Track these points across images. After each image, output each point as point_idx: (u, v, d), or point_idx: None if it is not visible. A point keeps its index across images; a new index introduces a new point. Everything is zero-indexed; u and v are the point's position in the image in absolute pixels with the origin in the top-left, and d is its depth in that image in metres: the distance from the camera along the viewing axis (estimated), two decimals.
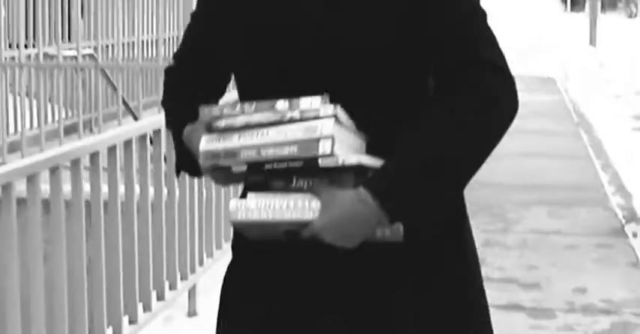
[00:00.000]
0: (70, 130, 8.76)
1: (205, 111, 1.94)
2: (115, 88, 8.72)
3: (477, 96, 1.91)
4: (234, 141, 1.88)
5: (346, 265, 1.98)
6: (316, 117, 1.83)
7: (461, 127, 1.89)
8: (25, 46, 8.92)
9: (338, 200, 1.85)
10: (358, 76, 1.95)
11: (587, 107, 14.25)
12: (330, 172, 1.85)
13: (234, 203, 1.91)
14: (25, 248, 3.42)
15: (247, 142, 1.87)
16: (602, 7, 42.93)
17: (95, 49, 9.62)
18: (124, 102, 8.71)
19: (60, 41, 8.83)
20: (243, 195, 1.96)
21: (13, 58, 8.82)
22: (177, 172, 2.25)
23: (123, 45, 9.97)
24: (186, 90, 2.22)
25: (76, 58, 9.11)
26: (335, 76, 1.95)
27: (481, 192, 8.21)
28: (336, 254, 1.93)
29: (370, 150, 1.92)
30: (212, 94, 2.21)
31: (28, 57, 8.98)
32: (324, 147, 1.81)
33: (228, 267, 2.17)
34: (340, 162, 1.83)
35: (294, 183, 1.89)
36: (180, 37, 2.37)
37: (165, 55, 10.24)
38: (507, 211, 7.62)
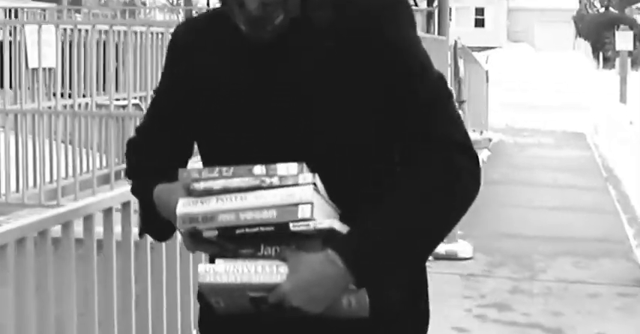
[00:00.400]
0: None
1: (184, 174, 1.94)
2: None
3: (441, 174, 1.99)
4: (212, 205, 1.89)
5: None
6: (295, 184, 1.86)
7: (425, 202, 1.96)
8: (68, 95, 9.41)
9: (306, 262, 1.88)
10: (330, 160, 2.02)
11: (615, 162, 14.43)
12: (299, 238, 1.87)
13: (203, 267, 1.92)
14: (80, 283, 3.70)
15: (226, 206, 1.88)
16: (633, 64, 43.19)
17: (141, 98, 10.03)
18: None
19: (112, 91, 9.20)
20: (212, 261, 1.96)
21: (65, 107, 9.32)
22: (141, 235, 2.29)
23: None
24: (152, 160, 2.26)
25: (124, 107, 9.44)
26: (307, 159, 1.97)
27: (510, 243, 8.46)
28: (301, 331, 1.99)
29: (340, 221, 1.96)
30: (176, 163, 2.22)
31: (79, 106, 9.41)
32: (303, 212, 1.83)
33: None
34: (312, 226, 1.85)
35: (261, 251, 1.91)
36: None
37: None
38: (534, 261, 7.83)
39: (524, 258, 7.91)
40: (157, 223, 2.17)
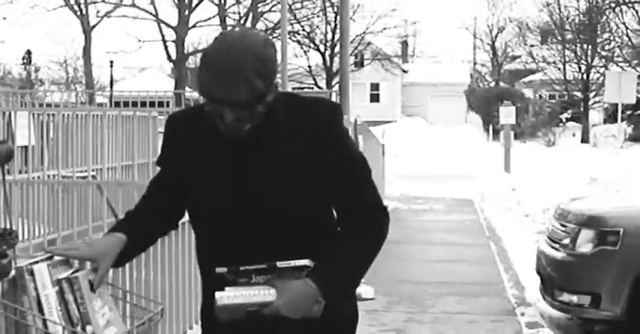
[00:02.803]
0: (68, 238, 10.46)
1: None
2: (110, 206, 10.48)
3: (375, 231, 3.03)
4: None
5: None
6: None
7: (365, 249, 3.00)
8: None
9: (291, 285, 2.83)
10: (298, 217, 2.97)
11: (498, 223, 16.36)
12: (281, 271, 2.87)
13: (219, 294, 2.81)
14: None
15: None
16: (518, 136, 45.58)
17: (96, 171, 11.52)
18: (115, 215, 10.42)
19: (74, 165, 10.63)
20: (220, 289, 2.86)
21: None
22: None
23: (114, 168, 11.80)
24: (146, 213, 3.12)
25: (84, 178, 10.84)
26: (281, 219, 2.95)
27: (405, 287, 10.20)
28: (280, 329, 2.96)
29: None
30: (167, 221, 3.18)
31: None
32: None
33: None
34: (292, 264, 2.88)
35: (253, 279, 2.87)
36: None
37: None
38: (425, 300, 9.57)
39: (417, 298, 9.65)
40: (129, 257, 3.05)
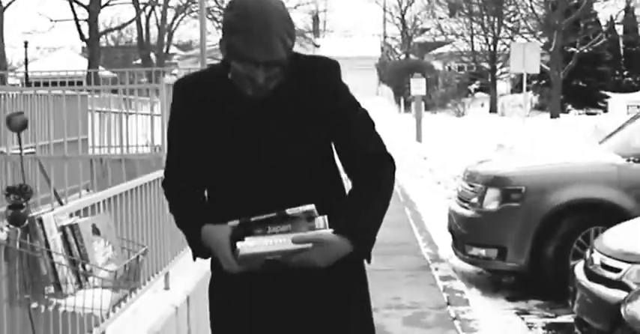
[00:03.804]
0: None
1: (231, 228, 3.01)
2: (47, 179, 10.92)
3: (384, 179, 3.09)
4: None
5: (302, 282, 3.12)
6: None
7: (380, 196, 3.07)
8: None
9: (329, 241, 2.95)
10: (305, 168, 3.08)
11: (411, 190, 17.19)
12: (291, 219, 2.95)
13: (240, 244, 2.93)
14: None
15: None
16: (428, 107, 46.63)
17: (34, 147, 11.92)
18: (54, 190, 10.86)
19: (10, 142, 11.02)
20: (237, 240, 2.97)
21: None
22: (194, 258, 3.26)
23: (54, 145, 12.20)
24: (187, 196, 3.19)
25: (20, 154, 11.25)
26: (291, 173, 3.07)
27: None
28: (294, 279, 3.09)
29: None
30: (202, 187, 3.21)
31: None
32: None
33: (212, 285, 3.28)
34: (300, 210, 2.95)
35: (269, 230, 2.97)
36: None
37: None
38: None
39: None
40: (203, 249, 3.12)
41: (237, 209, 3.07)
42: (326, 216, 3.00)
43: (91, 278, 3.32)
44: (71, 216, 3.52)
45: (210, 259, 3.21)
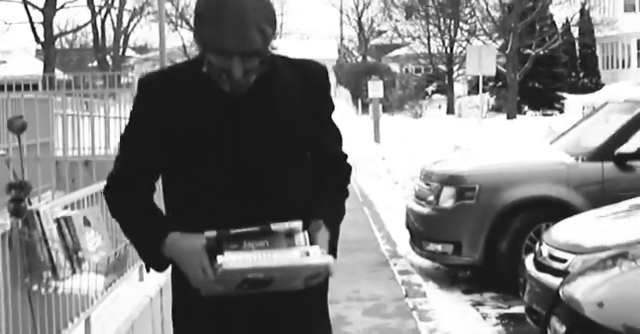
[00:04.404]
0: None
1: (207, 238, 2.75)
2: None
3: (343, 178, 3.19)
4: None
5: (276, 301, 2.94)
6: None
7: (343, 196, 3.19)
8: None
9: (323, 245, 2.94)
10: (275, 162, 2.93)
11: (370, 190, 17.62)
12: (269, 235, 2.76)
13: (222, 258, 2.66)
14: None
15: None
16: (386, 109, 47.06)
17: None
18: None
19: None
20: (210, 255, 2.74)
21: None
22: (147, 269, 3.07)
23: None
24: (140, 199, 2.94)
25: None
26: (275, 175, 2.94)
27: None
28: (267, 301, 2.89)
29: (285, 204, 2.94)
30: (150, 193, 2.98)
31: None
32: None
33: (176, 312, 3.13)
34: (287, 225, 2.79)
35: (244, 245, 2.73)
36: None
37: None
38: None
39: None
40: (160, 259, 2.90)
41: (204, 223, 2.83)
42: (307, 233, 2.86)
43: (84, 264, 3.68)
44: (65, 208, 3.88)
45: (171, 280, 3.06)
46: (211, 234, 2.73)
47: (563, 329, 4.11)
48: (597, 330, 3.93)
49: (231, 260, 2.65)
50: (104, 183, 3.01)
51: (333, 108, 3.14)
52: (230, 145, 2.88)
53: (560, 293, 4.40)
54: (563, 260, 6.58)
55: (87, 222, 3.78)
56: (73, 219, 3.75)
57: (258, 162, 2.91)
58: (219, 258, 2.67)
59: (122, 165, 2.95)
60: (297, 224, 2.82)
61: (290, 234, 2.80)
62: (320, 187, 3.10)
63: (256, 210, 2.87)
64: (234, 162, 2.88)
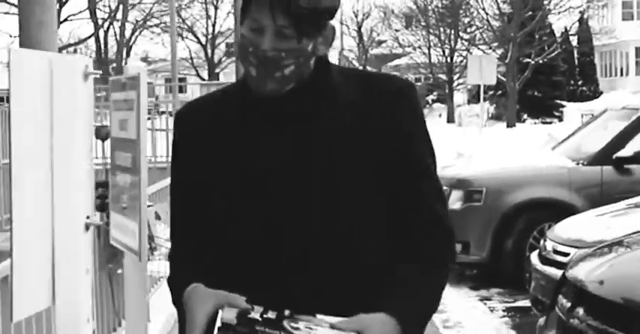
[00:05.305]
0: None
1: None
2: None
3: (440, 250, 2.22)
4: None
5: None
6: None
7: (431, 290, 2.19)
8: None
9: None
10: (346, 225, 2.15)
11: None
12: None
13: None
14: None
15: None
16: None
17: None
18: None
19: None
20: None
21: None
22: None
23: None
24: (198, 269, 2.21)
25: None
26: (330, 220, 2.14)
27: None
28: None
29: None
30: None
31: None
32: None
33: None
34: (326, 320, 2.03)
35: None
36: None
37: None
38: None
39: None
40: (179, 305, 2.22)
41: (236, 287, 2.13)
42: None
43: (156, 252, 4.30)
44: None
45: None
46: (235, 307, 2.07)
47: (569, 304, 4.79)
48: (599, 303, 4.64)
49: None
50: (169, 180, 2.43)
51: (426, 143, 2.31)
52: (260, 174, 2.18)
53: (566, 274, 5.09)
54: (566, 254, 7.19)
55: (158, 216, 4.38)
56: (148, 213, 4.36)
57: (290, 205, 2.16)
58: None
59: (171, 223, 2.42)
60: (337, 320, 2.04)
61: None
62: (403, 266, 2.19)
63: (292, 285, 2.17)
64: (261, 209, 2.17)
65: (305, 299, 2.14)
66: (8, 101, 2.22)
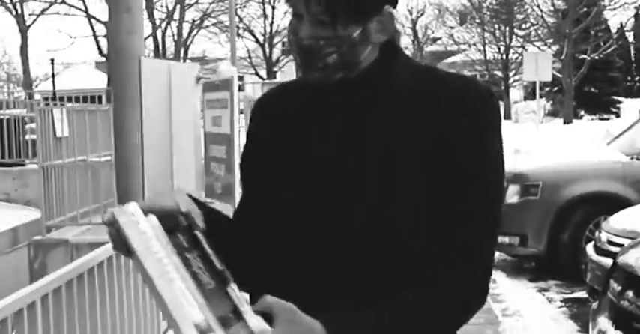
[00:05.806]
0: None
1: None
2: None
3: (446, 290, 1.88)
4: None
5: None
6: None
7: (424, 313, 1.86)
8: None
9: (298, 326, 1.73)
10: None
11: None
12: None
13: None
14: None
15: None
16: None
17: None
18: None
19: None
20: None
21: None
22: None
23: None
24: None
25: None
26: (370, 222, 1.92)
27: None
28: None
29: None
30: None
31: None
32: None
33: None
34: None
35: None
36: None
37: None
38: None
39: None
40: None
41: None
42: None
43: None
44: None
45: None
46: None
47: (620, 288, 5.10)
48: None
49: None
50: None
51: (494, 164, 1.99)
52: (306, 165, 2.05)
53: (617, 260, 5.39)
54: (620, 245, 7.44)
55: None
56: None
57: (337, 206, 1.99)
58: None
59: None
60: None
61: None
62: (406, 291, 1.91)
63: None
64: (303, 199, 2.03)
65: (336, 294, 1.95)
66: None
